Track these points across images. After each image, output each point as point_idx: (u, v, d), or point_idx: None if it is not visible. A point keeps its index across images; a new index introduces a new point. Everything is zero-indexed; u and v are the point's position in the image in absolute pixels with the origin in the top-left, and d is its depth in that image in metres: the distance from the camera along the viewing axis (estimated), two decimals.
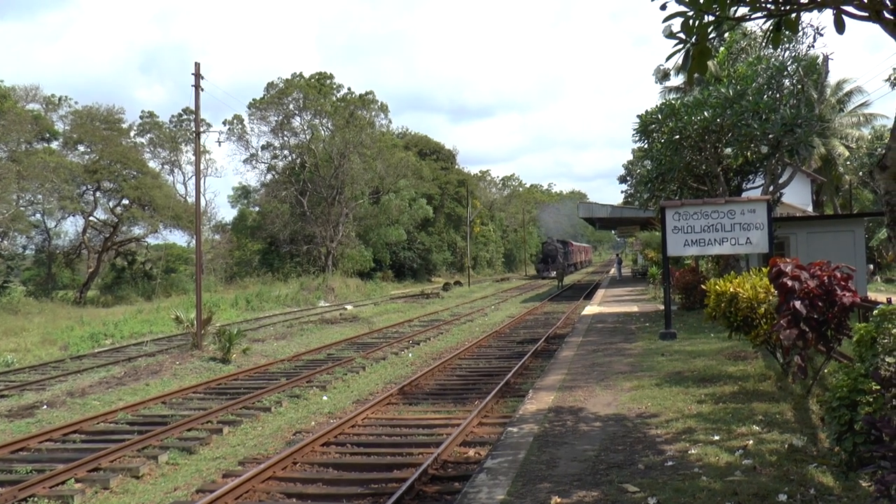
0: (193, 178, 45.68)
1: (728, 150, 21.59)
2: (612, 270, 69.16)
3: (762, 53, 22.81)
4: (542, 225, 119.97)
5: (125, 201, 53.46)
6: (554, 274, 69.01)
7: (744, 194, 23.30)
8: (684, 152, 21.77)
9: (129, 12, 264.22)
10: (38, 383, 18.22)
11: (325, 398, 15.67)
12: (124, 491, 9.88)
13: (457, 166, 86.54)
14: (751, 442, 8.05)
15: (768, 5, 5.26)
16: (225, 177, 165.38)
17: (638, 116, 22.80)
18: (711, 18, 4.99)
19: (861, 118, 42.85)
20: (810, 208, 38.22)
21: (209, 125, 61.97)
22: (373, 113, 65.35)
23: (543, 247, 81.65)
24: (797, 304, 8.95)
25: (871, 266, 36.70)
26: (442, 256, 78.48)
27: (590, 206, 50.41)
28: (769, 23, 5.41)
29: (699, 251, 18.06)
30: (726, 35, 23.15)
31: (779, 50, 21.87)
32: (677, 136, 21.39)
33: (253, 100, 61.37)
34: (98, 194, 53.06)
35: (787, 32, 5.40)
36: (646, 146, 23.99)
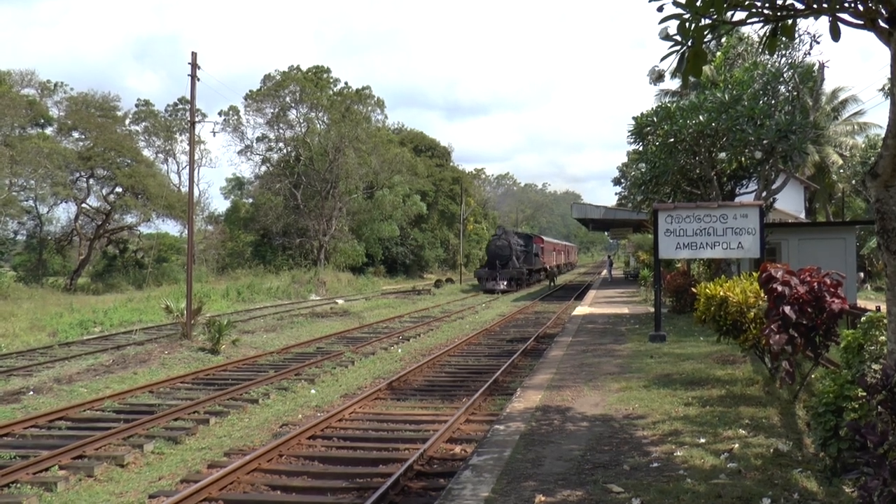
0: (187, 167, 45.63)
1: (722, 155, 21.63)
2: (604, 272, 68.68)
3: (758, 59, 22.84)
4: (493, 210, 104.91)
5: (118, 189, 53.22)
6: (503, 286, 49.20)
7: (737, 199, 23.31)
8: (679, 155, 21.79)
9: (126, 1, 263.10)
10: (25, 369, 18.16)
11: (313, 391, 15.66)
12: (108, 479, 9.85)
13: (451, 163, 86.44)
14: (736, 445, 8.08)
15: (765, 10, 5.27)
16: (219, 168, 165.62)
17: (633, 118, 22.79)
18: (708, 22, 5.00)
19: (855, 127, 42.99)
20: (803, 215, 38.31)
21: (204, 115, 62.00)
22: (369, 108, 65.42)
23: (489, 244, 53.90)
24: (786, 309, 8.98)
25: (862, 274, 36.82)
26: (434, 253, 78.36)
27: (583, 207, 50.36)
28: (766, 28, 5.42)
29: (691, 254, 18.08)
30: (723, 40, 23.20)
31: (775, 56, 21.89)
32: (672, 140, 21.41)
33: (249, 91, 61.42)
34: (91, 181, 52.84)
35: (783, 39, 5.40)
36: (640, 148, 23.99)
